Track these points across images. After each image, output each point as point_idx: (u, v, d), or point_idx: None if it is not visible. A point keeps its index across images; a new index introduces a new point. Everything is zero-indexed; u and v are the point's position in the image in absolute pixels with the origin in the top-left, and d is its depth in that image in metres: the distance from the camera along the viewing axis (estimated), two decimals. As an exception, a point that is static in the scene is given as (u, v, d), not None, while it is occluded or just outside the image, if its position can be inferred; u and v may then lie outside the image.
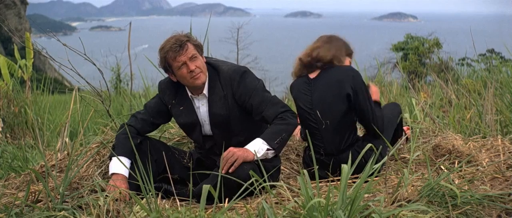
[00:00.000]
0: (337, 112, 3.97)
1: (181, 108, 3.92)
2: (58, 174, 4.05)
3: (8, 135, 6.64)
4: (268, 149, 3.56)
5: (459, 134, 4.72)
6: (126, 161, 3.75)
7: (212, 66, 3.89)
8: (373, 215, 2.67)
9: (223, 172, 3.36)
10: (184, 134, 4.77)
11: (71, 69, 5.43)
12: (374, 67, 9.27)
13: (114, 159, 3.74)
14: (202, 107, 3.90)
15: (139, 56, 7.50)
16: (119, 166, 3.69)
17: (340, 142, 4.02)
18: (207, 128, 3.94)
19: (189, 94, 3.90)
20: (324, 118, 3.98)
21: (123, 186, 3.58)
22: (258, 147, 3.54)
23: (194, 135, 4.01)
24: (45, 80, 8.64)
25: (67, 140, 4.57)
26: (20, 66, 7.94)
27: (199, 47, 3.77)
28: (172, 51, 3.66)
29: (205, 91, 3.85)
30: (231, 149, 3.48)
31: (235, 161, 3.42)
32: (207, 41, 5.47)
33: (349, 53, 4.22)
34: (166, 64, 3.74)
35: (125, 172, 3.70)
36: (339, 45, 4.14)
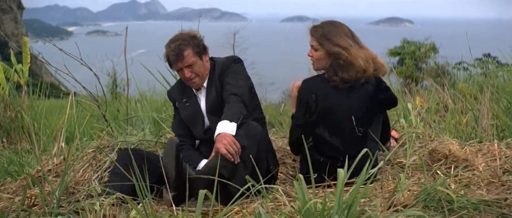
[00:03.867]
0: (372, 122, 4.01)
1: (187, 104, 4.09)
2: (54, 179, 4.04)
3: (4, 140, 6.63)
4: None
5: (455, 139, 4.72)
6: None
7: (213, 60, 4.11)
8: (369, 220, 2.67)
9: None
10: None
11: (67, 74, 5.43)
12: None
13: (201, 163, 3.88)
14: (202, 100, 4.07)
15: (135, 61, 7.50)
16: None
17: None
18: (206, 121, 4.06)
19: (193, 89, 4.08)
20: (358, 125, 3.94)
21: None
22: (229, 129, 3.56)
23: (197, 129, 4.08)
24: (41, 85, 8.62)
25: (63, 144, 4.57)
26: (16, 71, 7.93)
27: (200, 50, 3.94)
28: (170, 57, 3.89)
29: (205, 84, 4.03)
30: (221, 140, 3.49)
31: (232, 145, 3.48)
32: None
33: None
34: (167, 63, 4.01)
35: None
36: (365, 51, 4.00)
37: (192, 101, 4.09)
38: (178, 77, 4.33)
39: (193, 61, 3.88)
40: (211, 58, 4.12)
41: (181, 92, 4.15)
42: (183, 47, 3.85)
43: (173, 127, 4.31)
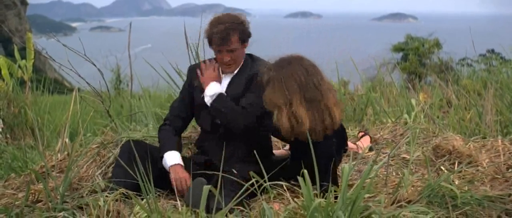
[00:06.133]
0: None
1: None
2: (58, 174, 4.05)
3: (8, 136, 6.64)
4: (217, 97, 3.74)
5: (459, 135, 4.71)
6: (176, 153, 3.82)
7: (251, 57, 3.99)
8: (373, 215, 2.67)
9: None
10: (185, 135, 4.74)
11: (71, 69, 5.43)
12: (374, 68, 9.29)
13: (166, 154, 3.80)
14: (222, 85, 3.91)
15: (139, 57, 7.50)
16: (173, 157, 3.78)
17: None
18: None
19: (220, 73, 3.93)
20: None
21: (185, 174, 3.69)
22: (215, 90, 3.76)
23: (204, 116, 3.95)
24: (45, 81, 8.63)
25: (67, 140, 4.57)
26: (19, 67, 7.93)
27: (244, 37, 3.82)
28: (215, 38, 3.72)
29: (236, 71, 3.90)
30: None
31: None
32: (202, 42, 5.48)
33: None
34: (208, 39, 3.82)
35: (180, 161, 3.78)
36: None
37: None
38: (185, 72, 4.25)
39: (235, 47, 3.75)
40: (249, 55, 3.99)
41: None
42: (231, 32, 3.70)
43: (173, 103, 4.15)
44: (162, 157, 3.81)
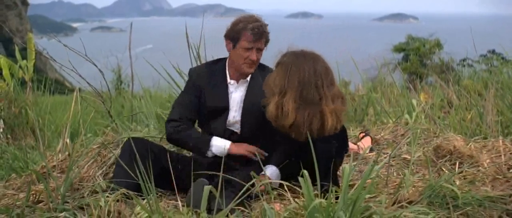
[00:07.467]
0: None
1: (214, 91, 3.88)
2: (59, 175, 4.05)
3: (8, 136, 6.64)
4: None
5: (460, 135, 4.71)
6: (219, 138, 3.82)
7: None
8: (374, 216, 2.67)
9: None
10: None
11: (72, 70, 5.43)
12: (375, 69, 9.29)
13: (212, 141, 3.80)
14: (236, 92, 3.88)
15: (139, 57, 7.50)
16: (222, 141, 3.80)
17: None
18: (232, 115, 3.88)
19: (228, 78, 3.87)
20: None
21: (243, 145, 3.79)
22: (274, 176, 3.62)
23: (217, 122, 3.91)
24: (46, 81, 8.63)
25: (68, 140, 4.56)
26: (20, 67, 7.94)
27: (268, 38, 3.80)
28: (250, 33, 3.65)
29: (248, 78, 3.86)
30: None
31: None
32: (203, 42, 5.48)
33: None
34: (236, 35, 3.72)
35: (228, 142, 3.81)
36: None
37: (221, 91, 3.88)
38: (186, 72, 4.19)
39: (263, 48, 3.75)
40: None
41: (208, 77, 3.90)
42: (266, 31, 3.71)
43: (178, 104, 3.96)
44: (204, 152, 3.81)
